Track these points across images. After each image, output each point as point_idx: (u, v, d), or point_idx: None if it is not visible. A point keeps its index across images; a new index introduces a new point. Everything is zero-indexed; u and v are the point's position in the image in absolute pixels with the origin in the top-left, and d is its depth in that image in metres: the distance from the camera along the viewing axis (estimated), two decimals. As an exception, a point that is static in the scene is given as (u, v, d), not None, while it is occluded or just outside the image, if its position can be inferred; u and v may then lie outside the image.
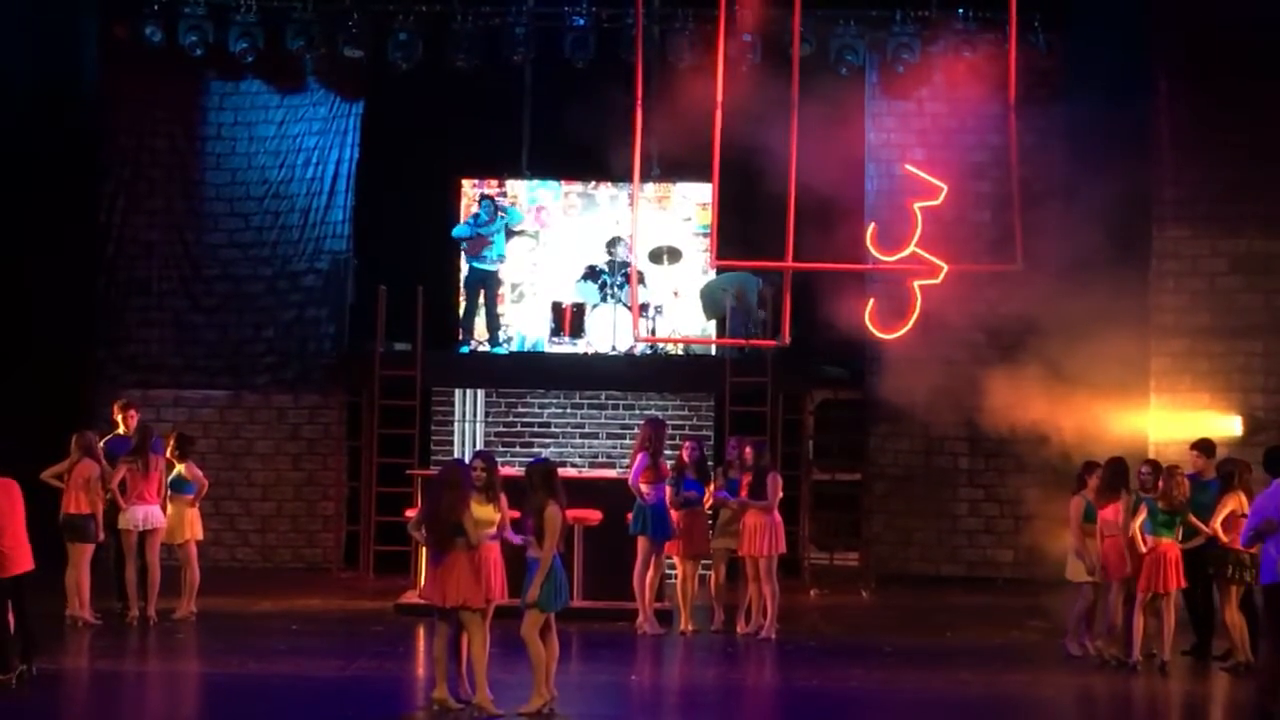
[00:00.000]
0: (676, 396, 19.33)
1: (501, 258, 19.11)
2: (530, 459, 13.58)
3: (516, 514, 11.74)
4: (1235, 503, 13.28)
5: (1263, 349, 17.03)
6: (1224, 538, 13.32)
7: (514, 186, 19.73)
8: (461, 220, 19.27)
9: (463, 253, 19.15)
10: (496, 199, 19.28)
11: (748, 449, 14.86)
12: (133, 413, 15.35)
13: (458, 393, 19.36)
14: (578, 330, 18.66)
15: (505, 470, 12.60)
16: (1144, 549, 13.36)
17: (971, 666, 13.64)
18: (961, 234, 16.82)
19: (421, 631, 14.13)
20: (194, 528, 15.14)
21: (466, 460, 13.58)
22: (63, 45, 18.49)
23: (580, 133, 17.40)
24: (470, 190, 19.58)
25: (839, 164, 16.67)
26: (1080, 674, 13.46)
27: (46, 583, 15.03)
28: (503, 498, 11.70)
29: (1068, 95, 18.20)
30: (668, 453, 15.55)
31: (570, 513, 14.66)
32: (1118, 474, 13.79)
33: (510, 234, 19.28)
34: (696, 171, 17.49)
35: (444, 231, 19.06)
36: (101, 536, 14.56)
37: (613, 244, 19.08)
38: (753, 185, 16.07)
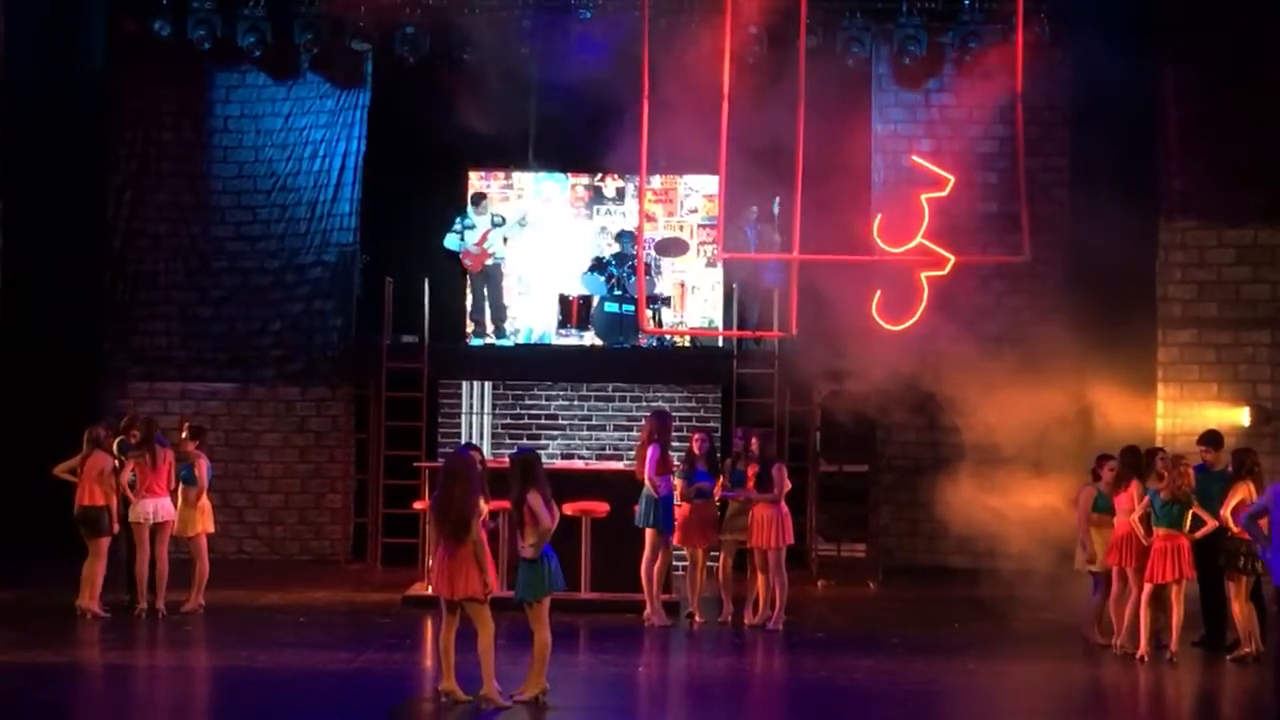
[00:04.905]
0: (683, 388, 19.31)
1: (502, 259, 19.08)
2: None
3: (506, 503, 11.82)
4: (1245, 491, 13.23)
5: (1270, 340, 17.05)
6: (1234, 527, 13.29)
7: (520, 179, 19.71)
8: (457, 227, 19.08)
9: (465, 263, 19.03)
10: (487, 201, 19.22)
11: (754, 440, 14.87)
12: (135, 433, 15.04)
13: (464, 385, 19.36)
14: (584, 322, 18.65)
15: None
16: (1145, 540, 13.36)
17: (979, 658, 13.64)
18: (968, 225, 16.80)
19: (429, 623, 14.14)
20: (205, 520, 15.17)
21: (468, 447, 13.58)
22: (70, 39, 18.50)
23: (587, 125, 17.37)
24: (477, 182, 19.58)
25: (845, 155, 16.67)
26: (1087, 665, 13.45)
27: (57, 575, 15.15)
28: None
29: (1074, 86, 18.19)
30: (675, 444, 15.55)
31: (577, 505, 14.88)
32: (1132, 462, 13.78)
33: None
34: (703, 164, 17.45)
35: (451, 224, 19.04)
36: (116, 528, 14.58)
37: (621, 237, 19.06)
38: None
